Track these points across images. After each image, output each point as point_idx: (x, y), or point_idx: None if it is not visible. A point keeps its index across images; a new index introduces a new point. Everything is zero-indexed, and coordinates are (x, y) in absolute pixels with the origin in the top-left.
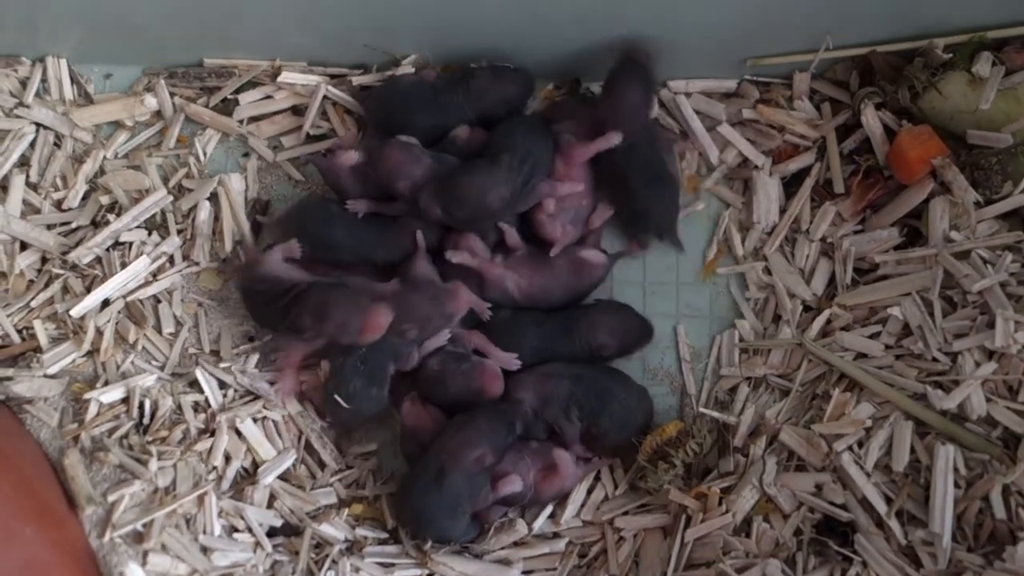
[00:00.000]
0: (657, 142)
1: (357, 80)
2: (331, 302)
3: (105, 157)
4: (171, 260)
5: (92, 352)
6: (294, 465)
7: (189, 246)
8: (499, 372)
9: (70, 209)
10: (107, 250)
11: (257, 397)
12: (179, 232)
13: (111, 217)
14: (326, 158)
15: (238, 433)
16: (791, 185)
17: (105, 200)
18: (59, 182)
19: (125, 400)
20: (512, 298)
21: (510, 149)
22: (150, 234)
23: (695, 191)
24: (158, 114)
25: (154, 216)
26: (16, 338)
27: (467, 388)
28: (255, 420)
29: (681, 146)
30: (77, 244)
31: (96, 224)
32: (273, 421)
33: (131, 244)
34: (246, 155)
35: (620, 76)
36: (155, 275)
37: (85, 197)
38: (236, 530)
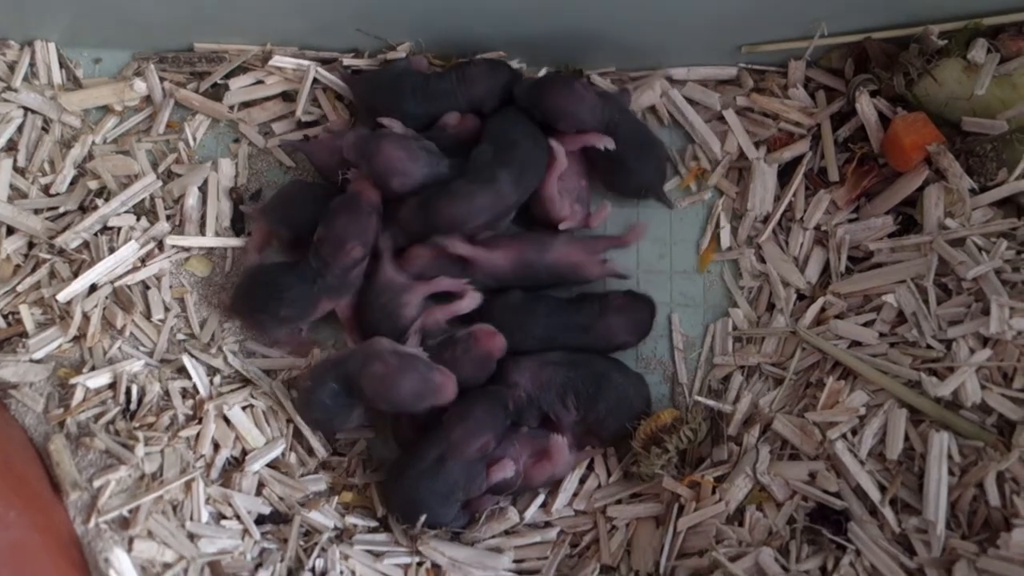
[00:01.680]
0: (627, 114)
1: (348, 62)
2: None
3: (94, 142)
4: (160, 245)
5: (79, 337)
6: (283, 453)
7: (177, 231)
8: (489, 328)
9: (58, 194)
10: (95, 235)
11: (245, 383)
12: (168, 218)
13: (99, 202)
14: (309, 143)
15: (226, 421)
16: (785, 173)
17: (94, 185)
18: (47, 167)
19: (112, 386)
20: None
21: (509, 164)
22: (139, 219)
23: (697, 181)
24: (147, 99)
25: (143, 201)
26: (2, 323)
27: (476, 362)
28: (243, 408)
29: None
30: (64, 229)
31: (84, 209)
32: (262, 409)
33: (119, 229)
34: (236, 141)
35: (548, 104)
36: (143, 260)
37: (73, 182)
38: (224, 517)
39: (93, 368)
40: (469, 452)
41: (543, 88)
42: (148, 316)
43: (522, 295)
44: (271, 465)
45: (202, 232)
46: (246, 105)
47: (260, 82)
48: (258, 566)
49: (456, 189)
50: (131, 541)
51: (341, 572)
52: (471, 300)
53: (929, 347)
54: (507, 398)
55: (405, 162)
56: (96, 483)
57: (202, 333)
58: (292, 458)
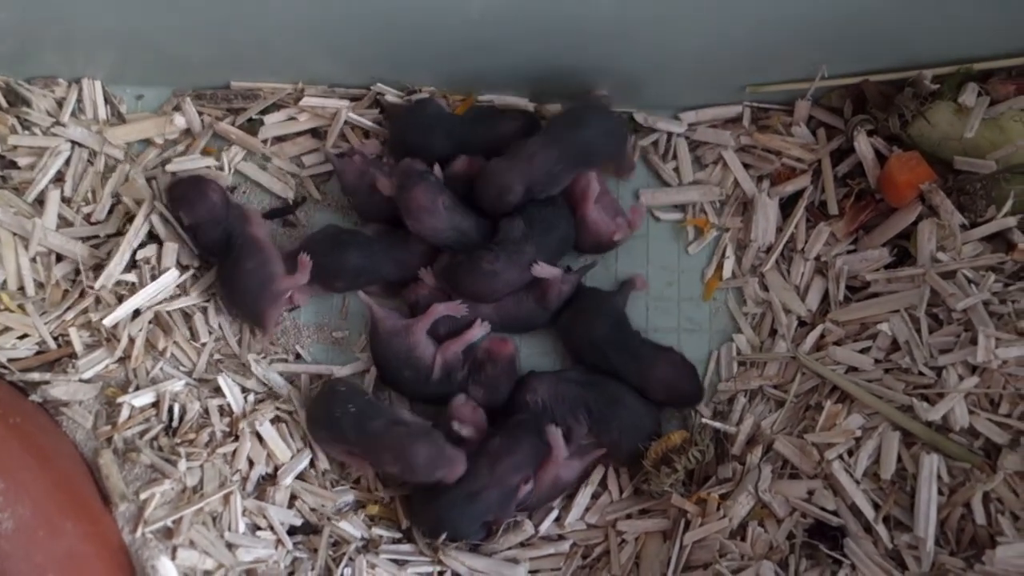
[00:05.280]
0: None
1: (382, 100)
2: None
3: (129, 171)
4: (198, 271)
5: (124, 358)
6: (309, 466)
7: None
8: (496, 337)
9: (98, 222)
10: (134, 264)
11: (275, 396)
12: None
13: (128, 227)
14: (343, 159)
15: (259, 438)
16: (787, 206)
17: (124, 210)
18: (89, 196)
19: (155, 404)
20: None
21: (540, 247)
22: (160, 245)
23: (706, 231)
24: (187, 132)
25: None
26: (53, 345)
27: (506, 371)
28: (271, 421)
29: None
30: (107, 255)
31: (121, 235)
32: (287, 422)
33: (151, 257)
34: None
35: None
36: (183, 287)
37: (111, 210)
38: (259, 528)
39: (138, 388)
40: (511, 483)
41: (480, 188)
42: (192, 338)
43: None
44: (300, 478)
45: None
46: (279, 139)
47: (293, 119)
48: (291, 574)
49: (484, 266)
50: (175, 550)
51: None
52: (479, 328)
53: (921, 374)
54: (542, 427)
55: (425, 213)
56: (142, 495)
57: (234, 348)
58: (313, 473)
